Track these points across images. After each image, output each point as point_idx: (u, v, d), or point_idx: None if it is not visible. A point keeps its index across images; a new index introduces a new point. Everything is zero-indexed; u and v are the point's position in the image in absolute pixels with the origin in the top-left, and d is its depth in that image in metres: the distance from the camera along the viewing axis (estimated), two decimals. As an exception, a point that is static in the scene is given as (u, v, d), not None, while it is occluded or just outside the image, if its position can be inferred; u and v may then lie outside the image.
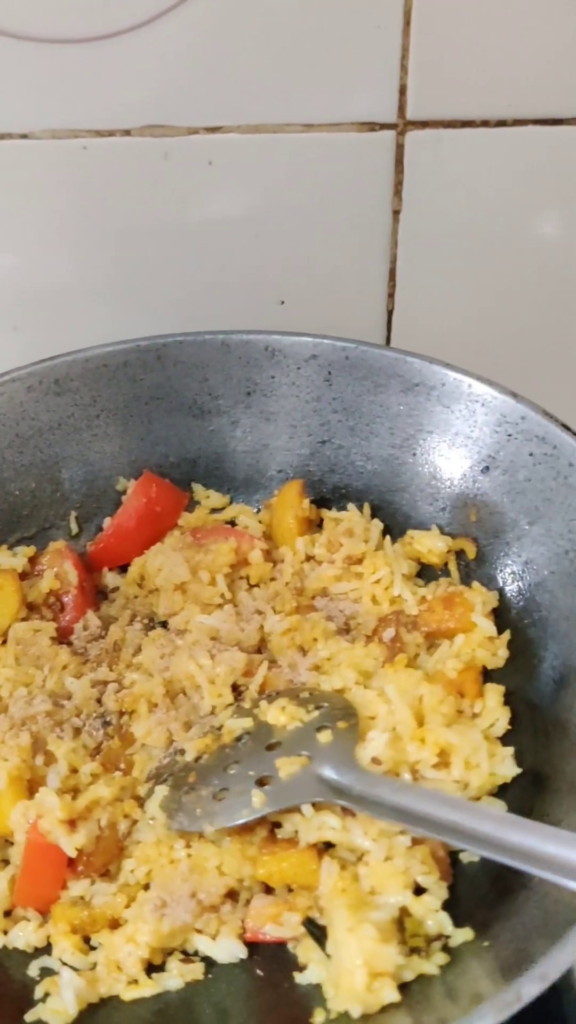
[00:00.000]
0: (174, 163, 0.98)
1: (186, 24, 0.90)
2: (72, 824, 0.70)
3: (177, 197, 1.01)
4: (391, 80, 0.94)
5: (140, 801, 0.74)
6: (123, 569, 0.94)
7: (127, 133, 0.97)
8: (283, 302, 1.08)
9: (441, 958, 0.63)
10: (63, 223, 1.01)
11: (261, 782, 0.70)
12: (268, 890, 0.71)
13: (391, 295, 1.08)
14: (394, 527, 0.92)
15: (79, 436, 0.94)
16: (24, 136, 0.96)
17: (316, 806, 0.69)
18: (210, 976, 0.67)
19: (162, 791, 0.72)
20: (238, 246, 1.04)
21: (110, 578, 0.93)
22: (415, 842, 0.68)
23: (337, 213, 1.03)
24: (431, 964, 0.62)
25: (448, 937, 0.65)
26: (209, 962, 0.68)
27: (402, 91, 0.95)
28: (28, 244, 1.03)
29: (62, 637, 0.87)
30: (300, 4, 0.89)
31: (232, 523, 0.96)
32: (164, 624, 0.88)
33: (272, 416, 0.96)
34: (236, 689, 0.80)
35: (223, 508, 0.97)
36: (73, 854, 0.69)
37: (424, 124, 0.96)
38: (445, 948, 0.64)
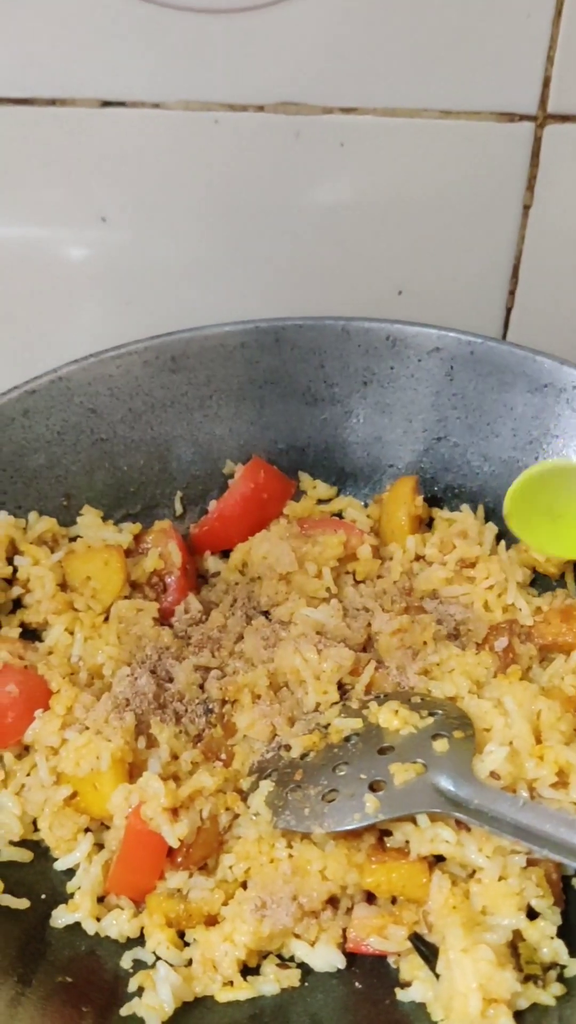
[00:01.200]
0: (305, 142, 0.96)
1: (329, 2, 0.88)
2: (175, 813, 0.68)
3: (305, 177, 0.98)
4: (535, 71, 0.91)
5: (242, 795, 0.72)
6: (224, 554, 0.92)
7: (260, 109, 0.94)
8: (401, 292, 1.05)
9: (557, 988, 0.60)
10: (186, 197, 0.99)
11: (373, 787, 0.67)
12: (369, 898, 0.69)
13: (512, 292, 1.05)
14: (508, 533, 0.89)
15: (190, 415, 0.92)
16: (156, 105, 0.94)
17: (431, 817, 0.66)
18: (306, 984, 0.65)
19: (267, 786, 0.70)
20: (361, 231, 1.01)
21: (211, 562, 0.91)
22: (529, 863, 0.65)
23: (465, 204, 1.00)
24: (547, 994, 0.59)
25: (563, 967, 0.61)
26: (305, 969, 0.66)
27: (546, 83, 0.91)
28: (147, 216, 1.01)
29: (163, 618, 0.85)
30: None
31: (339, 515, 0.93)
32: (265, 613, 0.86)
33: (388, 408, 0.93)
34: (341, 687, 0.78)
35: (330, 499, 0.94)
36: (176, 844, 0.67)
37: (565, 118, 0.93)
38: (561, 978, 0.61)
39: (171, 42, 0.91)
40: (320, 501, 0.94)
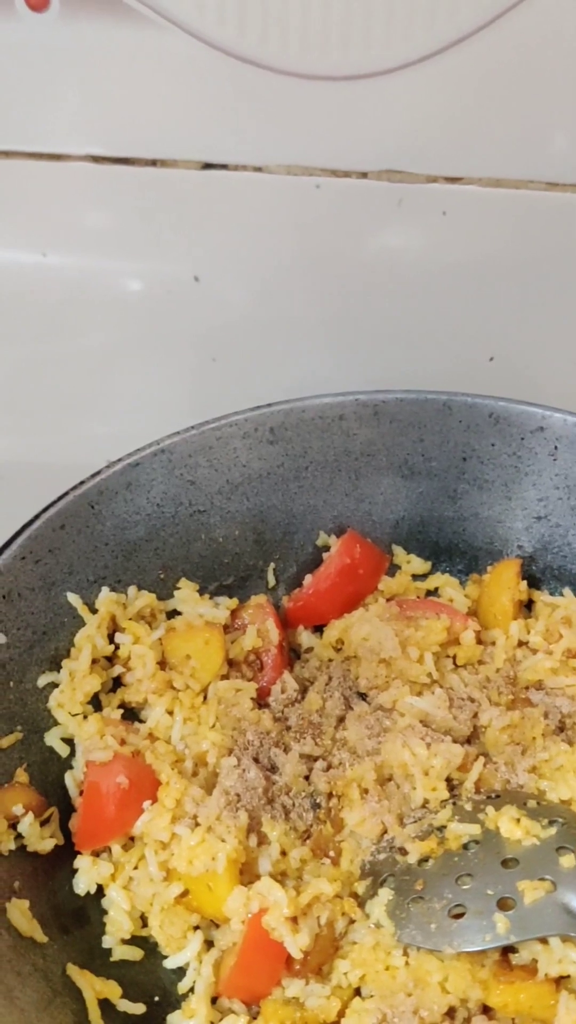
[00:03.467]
0: (407, 210, 0.95)
1: (439, 71, 0.87)
2: (295, 921, 0.67)
3: (405, 245, 0.97)
4: None
5: (357, 899, 0.71)
6: (317, 629, 0.91)
7: (363, 175, 0.93)
8: (492, 358, 1.04)
9: None
10: (283, 261, 0.98)
11: (502, 904, 0.66)
12: (486, 1009, 0.67)
13: (606, 362, 1.04)
14: (612, 619, 0.88)
15: (286, 486, 0.91)
16: (258, 169, 0.93)
17: (563, 938, 0.64)
18: None
19: (386, 895, 0.69)
20: (457, 298, 1.01)
21: (305, 637, 0.90)
22: None
23: (562, 274, 0.99)
24: None
25: None
26: None
27: None
28: (241, 277, 1.00)
29: (259, 699, 0.84)
30: (561, 60, 0.85)
31: (434, 593, 0.92)
32: (363, 696, 0.84)
33: (487, 485, 0.92)
34: (449, 782, 0.77)
35: (425, 575, 0.93)
36: (299, 955, 0.66)
37: None
38: None
39: (275, 106, 0.90)
40: (415, 577, 0.92)
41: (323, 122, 0.91)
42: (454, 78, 0.87)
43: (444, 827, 0.72)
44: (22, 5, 0.85)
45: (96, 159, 0.93)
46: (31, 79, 0.89)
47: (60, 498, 0.81)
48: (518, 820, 0.70)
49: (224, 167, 0.93)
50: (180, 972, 0.70)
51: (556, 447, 0.89)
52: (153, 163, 0.93)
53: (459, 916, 0.67)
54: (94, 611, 0.81)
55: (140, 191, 0.95)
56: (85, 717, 0.77)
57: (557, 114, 0.89)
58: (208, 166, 0.93)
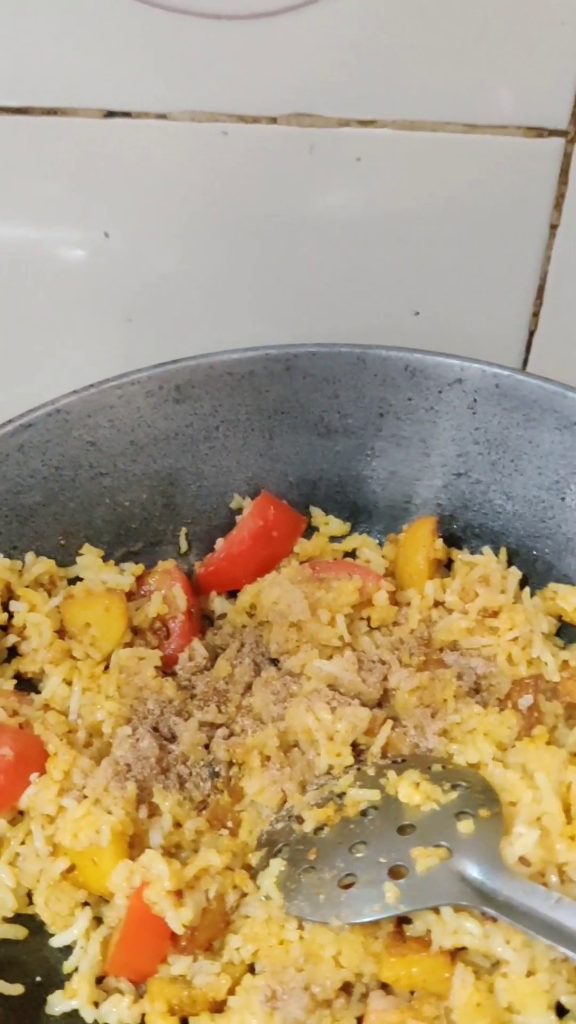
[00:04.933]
0: (319, 156, 0.90)
1: (347, 9, 0.82)
2: (179, 895, 0.63)
3: (318, 193, 0.93)
4: (568, 83, 0.85)
5: (251, 871, 0.68)
6: (231, 594, 0.87)
7: (273, 121, 0.89)
8: (418, 312, 1.00)
9: None
10: (192, 212, 0.94)
11: (394, 872, 0.62)
12: (385, 985, 0.64)
13: (535, 314, 1.00)
14: (533, 577, 0.85)
15: (196, 448, 0.87)
16: (161, 116, 0.89)
17: (455, 907, 0.61)
18: (319, 1080, 0.61)
19: (278, 865, 0.66)
20: (377, 249, 0.96)
21: (217, 603, 0.87)
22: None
23: (487, 222, 0.95)
24: None
25: (596, 1073, 0.57)
26: (318, 1063, 0.61)
27: (578, 95, 0.86)
28: (150, 231, 0.96)
29: (166, 667, 0.80)
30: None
31: (352, 555, 0.88)
32: (274, 661, 0.81)
33: (405, 441, 0.88)
34: (356, 747, 0.73)
35: (343, 537, 0.90)
36: (180, 931, 0.62)
37: (597, 133, 0.87)
38: None
39: (178, 50, 0.85)
40: (332, 538, 0.89)
41: (228, 65, 0.86)
42: (363, 14, 0.83)
43: (344, 794, 0.69)
44: None
45: (-8, 109, 0.89)
46: None
47: (-56, 462, 0.77)
48: (418, 784, 0.66)
49: (127, 115, 0.89)
50: (67, 951, 0.67)
51: (475, 400, 0.85)
52: (52, 112, 0.89)
53: (349, 886, 0.63)
54: (-14, 578, 0.77)
55: (39, 142, 0.90)
56: (-27, 688, 0.73)
57: (473, 50, 0.85)
58: (110, 114, 0.89)
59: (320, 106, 0.88)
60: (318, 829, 0.68)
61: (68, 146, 0.90)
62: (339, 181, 0.92)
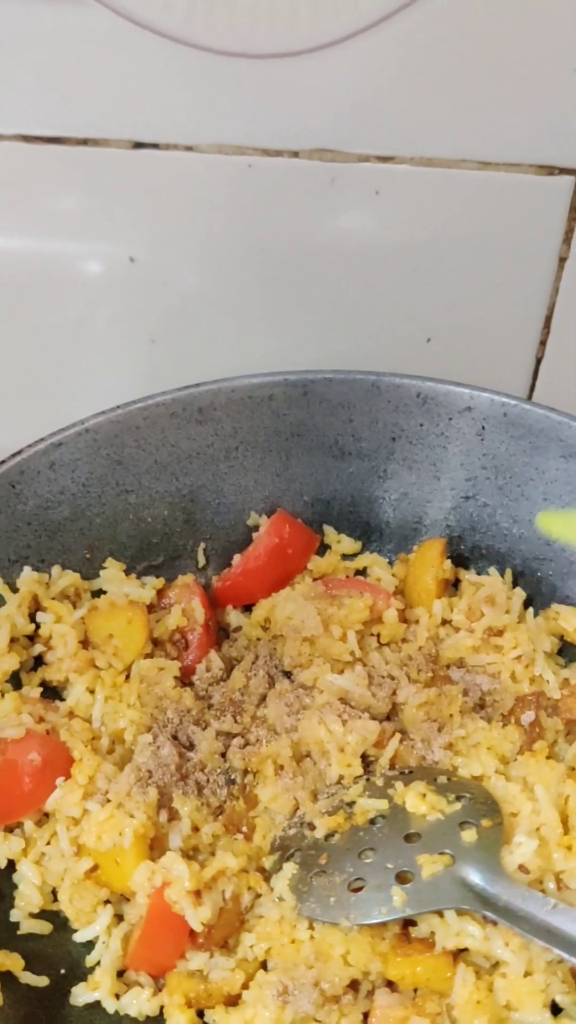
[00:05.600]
0: (340, 189, 0.94)
1: (369, 50, 0.86)
2: (197, 895, 0.67)
3: (337, 224, 0.97)
4: (576, 124, 0.89)
5: (264, 873, 0.71)
6: (247, 608, 0.91)
7: (295, 155, 0.93)
8: (430, 339, 1.04)
9: None
10: (215, 239, 0.98)
11: (400, 878, 0.66)
12: (390, 983, 0.68)
13: (543, 343, 1.04)
14: (537, 598, 0.88)
15: (216, 467, 0.91)
16: (189, 148, 0.93)
17: (458, 910, 0.65)
18: (327, 1072, 0.65)
19: (291, 869, 0.69)
20: (392, 278, 1.00)
21: (233, 616, 0.90)
22: (556, 958, 0.64)
23: (499, 254, 0.99)
24: None
25: (588, 1070, 0.61)
26: (326, 1055, 0.65)
27: (587, 136, 0.90)
28: (174, 257, 1.00)
29: (184, 677, 0.84)
30: (493, 39, 0.84)
31: (363, 572, 0.92)
32: (287, 674, 0.85)
33: (416, 465, 0.92)
34: (365, 759, 0.77)
35: (354, 555, 0.93)
36: (200, 929, 0.66)
37: (605, 172, 0.91)
38: None
39: (207, 85, 0.89)
40: (344, 556, 0.93)
41: (254, 101, 0.90)
42: (384, 56, 0.86)
43: (354, 803, 0.72)
44: (-55, -16, 0.84)
45: (26, 138, 0.93)
46: (-43, 59, 0.88)
47: (-22, 479, 0.81)
48: (424, 795, 0.70)
49: (155, 146, 0.93)
50: (89, 946, 0.71)
51: (484, 427, 0.89)
52: (84, 142, 0.93)
53: (358, 890, 0.67)
54: (15, 590, 0.81)
55: (71, 171, 0.94)
56: (2, 695, 0.77)
57: (489, 92, 0.89)
58: (139, 145, 0.93)
59: (341, 142, 0.92)
60: (329, 836, 0.71)
61: (98, 175, 0.94)
62: (358, 213, 0.96)
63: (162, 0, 0.84)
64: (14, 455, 0.83)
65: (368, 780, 0.75)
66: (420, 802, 0.70)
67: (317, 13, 0.85)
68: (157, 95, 0.90)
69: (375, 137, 0.92)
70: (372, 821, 0.71)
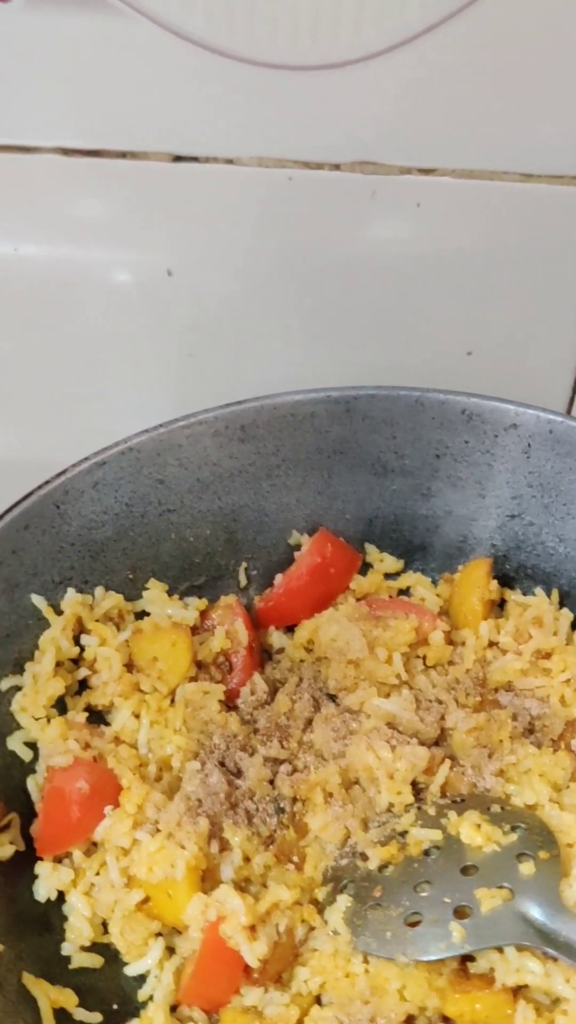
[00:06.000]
0: (381, 202, 0.93)
1: (412, 61, 0.85)
2: (252, 929, 0.66)
3: (378, 237, 0.96)
4: (623, 134, 0.88)
5: (317, 905, 0.71)
6: (288, 628, 0.90)
7: (336, 167, 0.92)
8: (470, 352, 1.03)
9: None
10: (254, 253, 0.97)
11: (458, 912, 0.65)
12: (445, 1018, 0.67)
13: (584, 355, 1.02)
14: (583, 619, 0.87)
15: (257, 485, 0.90)
16: (229, 161, 0.92)
17: (518, 947, 0.64)
18: None
19: (345, 902, 0.69)
20: (432, 291, 0.99)
21: (276, 638, 0.89)
22: (617, 995, 0.63)
23: (540, 266, 0.97)
24: None
25: None
26: None
27: (633, 147, 0.88)
28: (212, 270, 0.98)
29: (227, 700, 0.83)
30: (534, 51, 0.83)
31: (406, 592, 0.91)
32: (332, 697, 0.84)
33: (460, 482, 0.91)
34: (414, 786, 0.76)
35: (397, 574, 0.92)
36: (256, 964, 0.65)
37: None
38: None
39: (248, 97, 0.88)
40: (387, 576, 0.92)
41: (295, 113, 0.89)
42: (427, 67, 0.85)
43: (406, 832, 0.72)
44: (-14, -4, 0.83)
45: (66, 151, 0.91)
46: (-2, 71, 0.87)
47: (24, 498, 0.80)
48: (479, 826, 0.69)
49: (195, 159, 0.92)
50: (141, 979, 0.70)
51: (529, 444, 0.87)
52: (123, 155, 0.92)
53: (415, 924, 0.66)
54: (59, 612, 0.81)
55: (110, 184, 0.93)
56: (48, 721, 0.76)
57: (531, 104, 0.87)
58: (179, 158, 0.92)
59: (383, 154, 0.91)
60: (382, 867, 0.70)
61: (137, 188, 0.93)
62: (399, 225, 0.95)
63: (205, 12, 0.83)
64: (58, 475, 0.82)
65: (419, 808, 0.74)
66: (475, 833, 0.69)
67: (361, 25, 0.84)
68: (197, 108, 0.89)
69: (417, 149, 0.91)
70: (426, 852, 0.70)
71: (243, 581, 0.91)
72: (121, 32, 0.85)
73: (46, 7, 0.84)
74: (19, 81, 0.88)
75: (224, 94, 0.88)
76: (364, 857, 0.71)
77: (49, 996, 0.65)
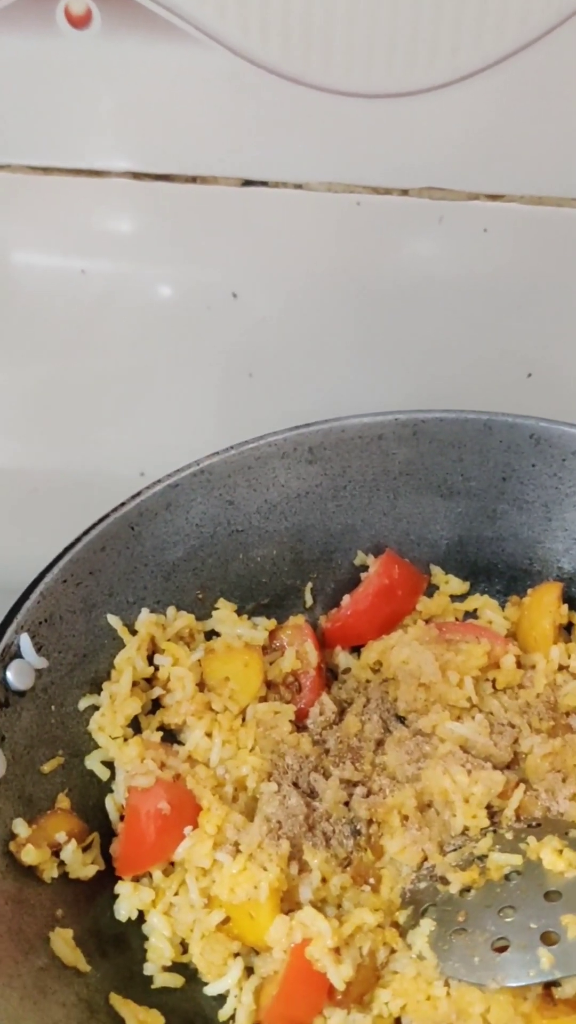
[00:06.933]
0: (448, 227, 0.94)
1: (482, 89, 0.86)
2: (337, 951, 0.67)
3: (445, 262, 0.96)
4: None
5: (399, 928, 0.71)
6: (353, 648, 0.90)
7: (404, 193, 0.93)
8: (530, 374, 1.03)
9: None
10: (322, 277, 0.98)
11: (545, 938, 0.65)
12: (529, 1043, 0.67)
13: None
14: None
15: (324, 506, 0.91)
16: (299, 186, 0.93)
17: (603, 972, 0.64)
18: None
19: (428, 925, 0.69)
20: (495, 315, 1.00)
21: (342, 658, 0.90)
22: None
23: (602, 291, 0.98)
24: None
25: None
26: None
27: None
28: (277, 293, 0.99)
29: (298, 720, 0.84)
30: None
31: (472, 615, 0.91)
32: (401, 718, 0.84)
33: (527, 505, 0.91)
34: (488, 809, 0.76)
35: (463, 596, 0.92)
36: (342, 987, 0.66)
37: None
38: None
39: (316, 122, 0.89)
40: (453, 598, 0.92)
41: (364, 139, 0.90)
42: (497, 96, 0.86)
43: (485, 856, 0.72)
44: (63, 22, 0.85)
45: (136, 175, 0.93)
46: (72, 96, 0.88)
47: (101, 520, 0.81)
48: (560, 851, 0.69)
49: (264, 184, 0.93)
50: (220, 999, 0.70)
51: (598, 469, 0.88)
52: (193, 180, 0.93)
53: (502, 949, 0.66)
54: (134, 632, 0.81)
55: (180, 208, 0.94)
56: (125, 740, 0.77)
57: (600, 131, 0.88)
58: (248, 183, 0.93)
59: (451, 180, 0.92)
60: (464, 891, 0.71)
61: (206, 212, 0.94)
62: (465, 251, 0.95)
63: (281, 40, 0.84)
64: (133, 496, 0.83)
65: (496, 833, 0.74)
66: (557, 858, 0.69)
67: (435, 54, 0.85)
68: (268, 133, 0.90)
69: (485, 175, 0.91)
70: (507, 877, 0.70)
71: (308, 601, 0.92)
72: (194, 58, 0.86)
73: (121, 33, 0.85)
74: (92, 106, 0.89)
75: (295, 120, 0.89)
76: (444, 881, 0.71)
77: (137, 1017, 0.66)
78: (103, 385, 1.06)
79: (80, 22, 0.85)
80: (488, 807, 0.76)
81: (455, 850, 0.74)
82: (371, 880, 0.74)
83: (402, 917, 0.71)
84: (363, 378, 1.03)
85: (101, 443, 1.10)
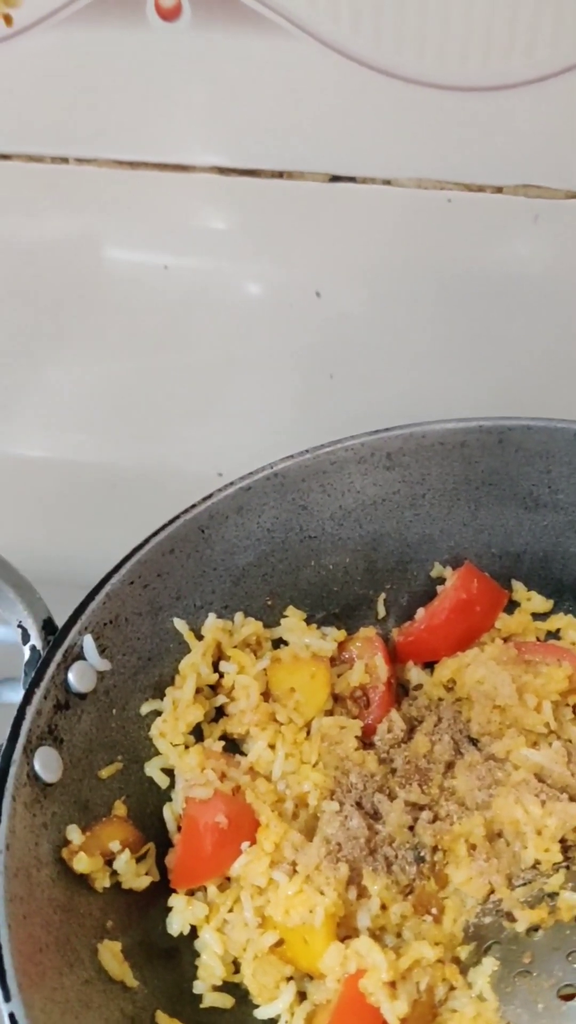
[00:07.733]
0: (543, 226, 0.90)
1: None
2: (393, 985, 0.64)
3: (539, 262, 0.92)
4: None
5: (460, 964, 0.67)
6: (426, 664, 0.87)
7: (498, 190, 0.89)
8: (623, 382, 0.98)
9: None
10: (409, 276, 0.95)
11: (617, 990, 0.61)
12: None
13: None
14: None
15: (400, 514, 0.87)
16: (387, 182, 0.90)
17: None
18: None
19: (491, 965, 0.65)
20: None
21: (414, 674, 0.86)
22: None
23: None
24: None
25: None
26: None
27: None
28: (362, 292, 0.97)
29: (364, 736, 0.81)
30: None
31: (555, 634, 0.87)
32: (474, 740, 0.80)
33: (618, 521, 0.86)
34: (562, 843, 0.72)
35: (546, 614, 0.88)
36: (396, 1023, 0.62)
37: None
38: None
39: (407, 117, 0.86)
40: (535, 616, 0.88)
41: (457, 134, 0.86)
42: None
43: (556, 894, 0.68)
44: (153, 15, 0.83)
45: (222, 170, 0.91)
46: (160, 89, 0.87)
47: (170, 522, 0.79)
48: None
49: (352, 180, 0.90)
50: (271, 1023, 0.68)
51: None
52: (280, 175, 0.91)
53: (569, 997, 0.62)
54: (200, 637, 0.79)
55: (266, 203, 0.92)
56: (186, 747, 0.75)
57: None
58: (336, 179, 0.90)
59: (547, 178, 0.88)
60: (531, 930, 0.67)
61: (293, 208, 0.92)
62: (560, 252, 0.91)
63: (374, 32, 0.81)
64: (204, 499, 0.81)
65: (569, 869, 0.70)
66: None
67: (532, 47, 0.81)
68: (356, 127, 0.88)
69: (584, 172, 0.87)
70: (578, 918, 0.66)
71: (381, 612, 0.89)
72: (284, 51, 0.84)
73: (211, 26, 0.83)
74: (180, 99, 0.88)
75: (385, 113, 0.86)
76: (511, 917, 0.68)
77: (183, 1037, 0.64)
78: (183, 382, 1.05)
79: (170, 15, 0.84)
80: (562, 841, 0.72)
81: (524, 884, 0.70)
82: (433, 910, 0.71)
83: (464, 953, 0.68)
84: (447, 382, 0.99)
85: (180, 441, 1.09)
